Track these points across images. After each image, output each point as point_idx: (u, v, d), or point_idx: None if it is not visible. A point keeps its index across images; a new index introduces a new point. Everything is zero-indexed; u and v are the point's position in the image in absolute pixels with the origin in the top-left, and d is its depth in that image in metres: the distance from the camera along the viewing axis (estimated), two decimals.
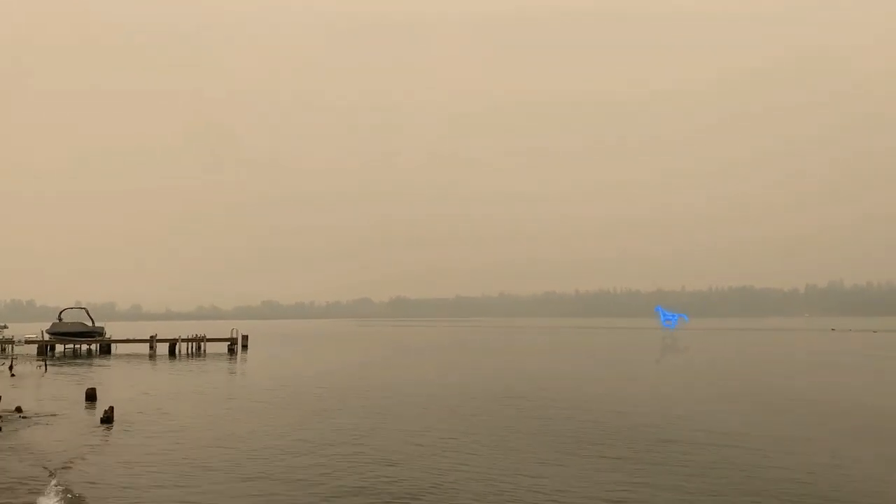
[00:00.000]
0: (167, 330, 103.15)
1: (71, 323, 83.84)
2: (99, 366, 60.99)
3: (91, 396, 34.68)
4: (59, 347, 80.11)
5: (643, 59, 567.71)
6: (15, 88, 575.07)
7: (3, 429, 26.05)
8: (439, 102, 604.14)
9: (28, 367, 57.16)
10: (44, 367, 55.90)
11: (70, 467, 19.87)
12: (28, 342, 75.83)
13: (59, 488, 17.59)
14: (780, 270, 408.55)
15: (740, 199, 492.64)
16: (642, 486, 17.43)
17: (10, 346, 72.38)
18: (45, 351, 75.07)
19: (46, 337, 79.40)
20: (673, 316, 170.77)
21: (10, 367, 55.19)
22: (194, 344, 78.71)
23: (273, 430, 25.96)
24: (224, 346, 78.85)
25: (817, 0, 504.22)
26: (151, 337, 79.35)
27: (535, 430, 25.52)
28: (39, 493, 17.28)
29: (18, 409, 30.45)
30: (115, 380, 47.42)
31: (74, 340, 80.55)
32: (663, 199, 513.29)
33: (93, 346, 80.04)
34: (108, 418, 26.86)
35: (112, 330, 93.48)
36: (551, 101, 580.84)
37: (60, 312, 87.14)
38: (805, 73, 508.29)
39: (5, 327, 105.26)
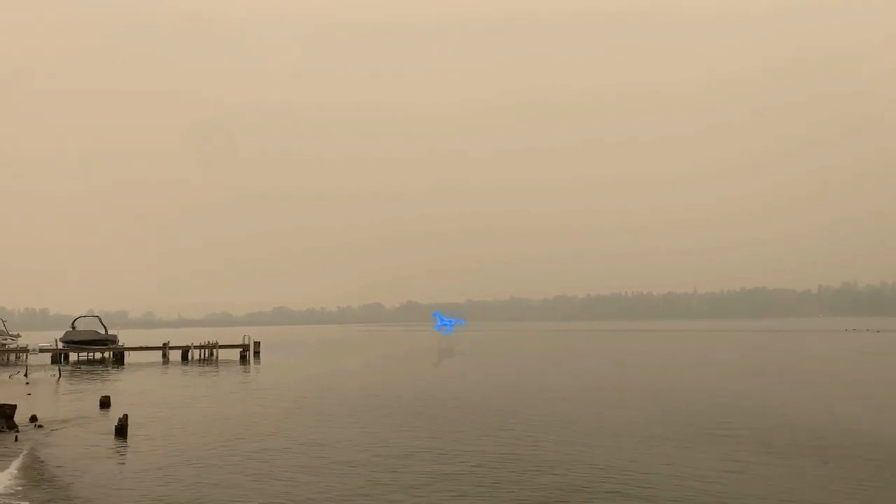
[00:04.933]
0: (179, 337, 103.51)
1: (84, 331, 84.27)
2: (112, 373, 61.28)
3: (105, 404, 34.84)
4: (73, 356, 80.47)
5: (646, 59, 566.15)
6: (18, 95, 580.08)
7: (20, 438, 26.21)
8: (442, 104, 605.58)
9: (42, 376, 57.44)
10: (58, 376, 56.18)
11: (85, 475, 19.94)
12: (42, 351, 76.24)
13: (75, 496, 17.65)
14: (793, 271, 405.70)
15: (751, 200, 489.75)
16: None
17: (25, 354, 72.80)
18: (59, 359, 75.43)
19: (60, 345, 79.83)
20: (449, 321, 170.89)
21: (25, 376, 55.56)
22: (206, 351, 78.89)
23: (287, 437, 25.98)
24: (236, 353, 79.02)
25: (821, 2, 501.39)
26: (164, 344, 79.67)
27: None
28: (56, 501, 17.35)
29: (34, 418, 30.61)
30: (128, 387, 47.63)
31: (88, 348, 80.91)
32: (672, 202, 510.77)
33: (106, 354, 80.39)
34: (122, 426, 26.92)
35: (125, 337, 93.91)
36: (553, 101, 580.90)
37: (74, 321, 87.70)
38: (814, 72, 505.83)
39: (18, 336, 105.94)
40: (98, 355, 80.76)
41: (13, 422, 28.33)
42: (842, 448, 22.29)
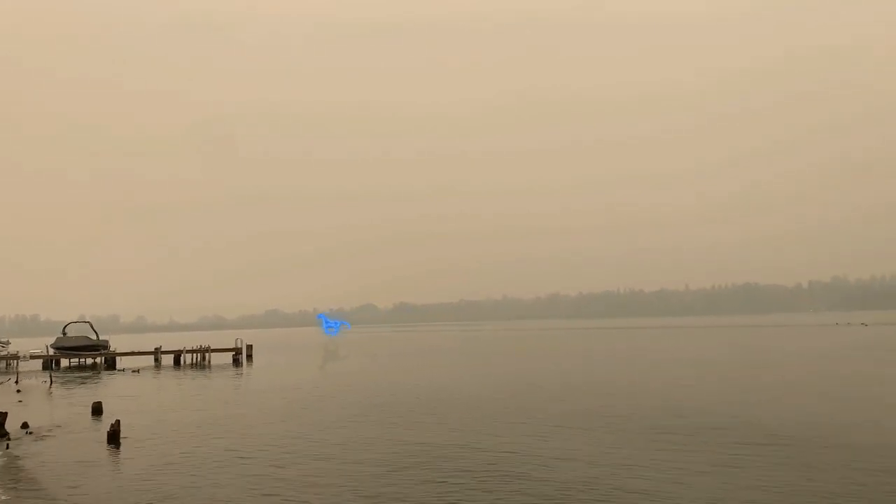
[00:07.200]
0: (171, 341, 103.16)
1: (75, 337, 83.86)
2: (104, 379, 60.93)
3: (97, 410, 34.62)
4: (64, 362, 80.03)
5: (644, 59, 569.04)
6: (14, 97, 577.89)
7: (10, 446, 26.02)
8: (442, 104, 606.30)
9: (33, 383, 57.10)
10: (49, 383, 55.84)
11: (77, 482, 19.79)
12: (33, 357, 75.83)
13: None
14: (784, 267, 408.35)
15: (742, 196, 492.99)
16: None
17: (16, 361, 72.34)
18: (49, 366, 75.04)
19: (51, 352, 79.38)
20: (335, 324, 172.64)
21: (16, 383, 55.18)
22: (199, 355, 78.69)
23: (282, 439, 25.87)
24: (229, 357, 78.74)
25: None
26: (156, 349, 79.30)
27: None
28: None
29: (25, 426, 30.40)
30: (120, 393, 47.33)
31: (79, 354, 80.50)
32: (664, 198, 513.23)
33: (98, 360, 79.99)
34: (114, 432, 26.75)
35: (116, 343, 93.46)
36: (552, 100, 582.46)
37: (65, 327, 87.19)
38: (808, 70, 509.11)
39: (9, 343, 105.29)
40: (90, 361, 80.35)
41: (4, 429, 28.14)
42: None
